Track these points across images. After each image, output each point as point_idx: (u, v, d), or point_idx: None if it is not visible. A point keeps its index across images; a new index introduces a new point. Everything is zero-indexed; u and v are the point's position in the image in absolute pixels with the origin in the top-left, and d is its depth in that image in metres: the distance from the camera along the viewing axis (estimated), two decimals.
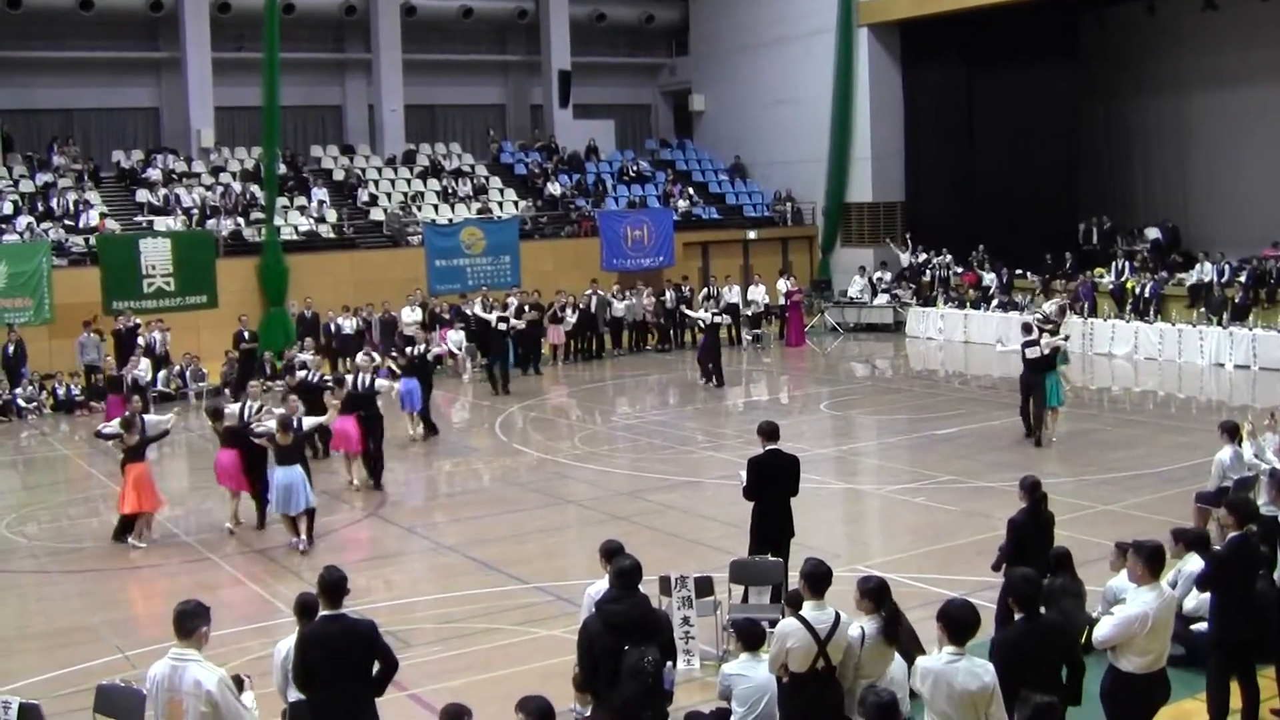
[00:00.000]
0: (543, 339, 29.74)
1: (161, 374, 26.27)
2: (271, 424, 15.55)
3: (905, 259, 34.89)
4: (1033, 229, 33.26)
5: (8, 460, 22.31)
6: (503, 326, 26.67)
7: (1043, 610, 7.64)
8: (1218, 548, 9.12)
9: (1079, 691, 7.35)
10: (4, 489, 19.62)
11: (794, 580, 9.52)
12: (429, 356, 22.69)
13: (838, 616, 7.74)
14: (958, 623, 6.84)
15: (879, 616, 7.88)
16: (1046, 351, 19.14)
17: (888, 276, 34.89)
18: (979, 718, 6.76)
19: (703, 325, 26.76)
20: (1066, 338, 21.93)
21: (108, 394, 22.11)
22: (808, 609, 7.78)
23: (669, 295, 30.58)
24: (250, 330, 27.52)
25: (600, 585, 8.66)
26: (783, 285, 32.85)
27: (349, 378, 18.88)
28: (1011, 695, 6.70)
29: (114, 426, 16.30)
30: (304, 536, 14.96)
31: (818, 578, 7.87)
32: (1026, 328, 19.91)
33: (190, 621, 7.16)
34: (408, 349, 22.47)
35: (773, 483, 11.60)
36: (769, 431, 11.72)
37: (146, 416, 16.95)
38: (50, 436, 24.00)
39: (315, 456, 18.70)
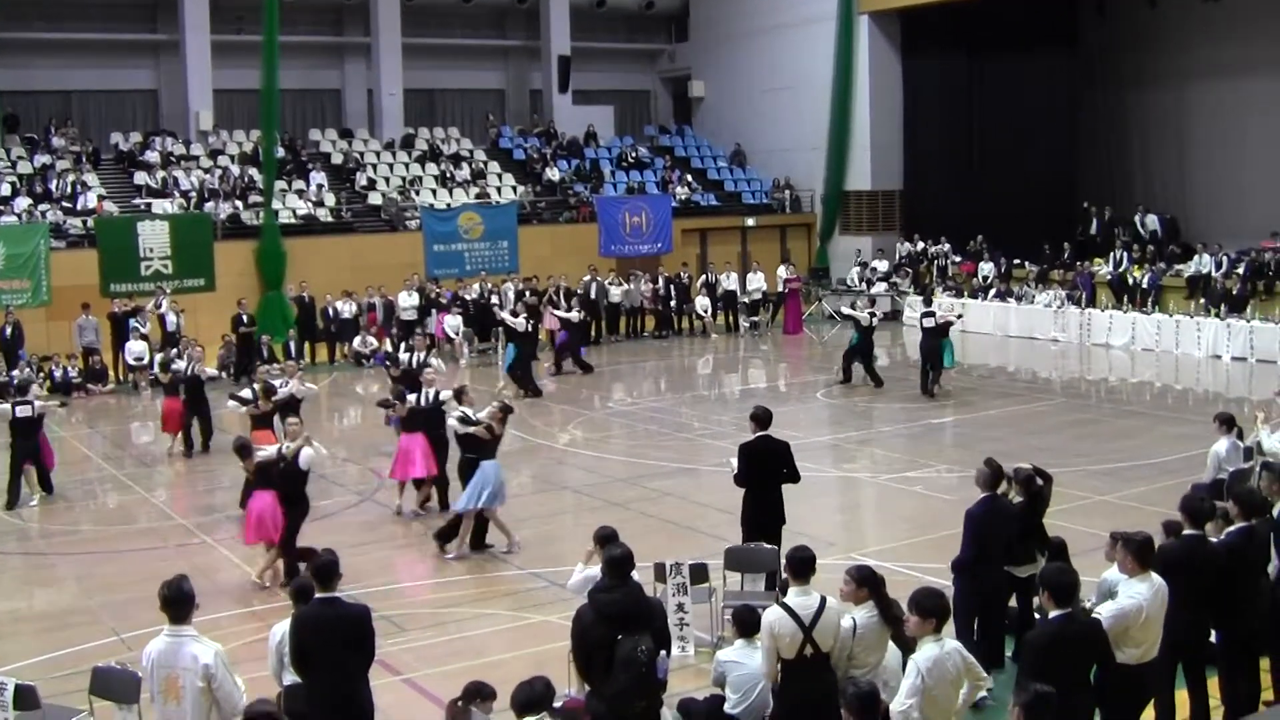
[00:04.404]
0: (540, 325, 29.69)
1: (159, 356, 26.16)
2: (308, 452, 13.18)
3: (903, 247, 34.88)
4: (1031, 219, 33.23)
5: (4, 443, 22.23)
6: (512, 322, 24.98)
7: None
8: (1219, 537, 9.06)
9: (1108, 692, 7.46)
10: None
11: None
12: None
13: (823, 601, 7.72)
14: (937, 611, 7.14)
15: (870, 605, 7.90)
16: (940, 322, 23.00)
17: (883, 265, 34.84)
18: (959, 692, 7.11)
19: (574, 321, 27.46)
20: (959, 315, 26.07)
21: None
22: (792, 595, 7.78)
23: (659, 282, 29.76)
24: (249, 314, 27.40)
25: (594, 570, 8.69)
26: (783, 272, 32.84)
27: (411, 396, 16.09)
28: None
29: (248, 392, 16.54)
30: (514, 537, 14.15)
31: (801, 562, 7.89)
32: (927, 303, 24.58)
33: (181, 608, 7.22)
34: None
35: (764, 468, 11.65)
36: (761, 417, 11.78)
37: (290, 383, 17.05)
38: (47, 419, 23.82)
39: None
